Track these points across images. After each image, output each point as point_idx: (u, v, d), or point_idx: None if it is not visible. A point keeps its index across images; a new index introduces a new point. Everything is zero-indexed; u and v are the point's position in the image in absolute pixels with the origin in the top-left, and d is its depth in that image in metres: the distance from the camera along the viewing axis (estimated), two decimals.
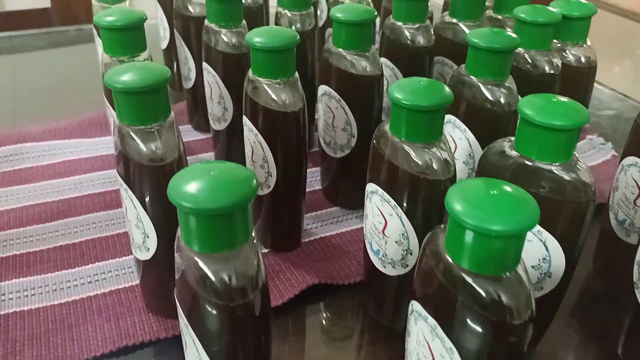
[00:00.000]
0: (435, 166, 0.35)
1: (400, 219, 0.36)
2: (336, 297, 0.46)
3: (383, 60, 0.55)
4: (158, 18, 0.71)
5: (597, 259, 0.49)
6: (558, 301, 0.38)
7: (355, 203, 0.54)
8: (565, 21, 0.49)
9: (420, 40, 0.53)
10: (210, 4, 0.51)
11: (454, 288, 0.26)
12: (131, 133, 0.35)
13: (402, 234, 0.37)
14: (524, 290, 0.25)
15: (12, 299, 0.43)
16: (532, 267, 0.35)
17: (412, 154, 0.35)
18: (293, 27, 0.56)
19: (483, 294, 0.25)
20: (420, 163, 0.35)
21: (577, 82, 0.51)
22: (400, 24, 0.53)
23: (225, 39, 0.52)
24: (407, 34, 0.53)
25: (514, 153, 0.35)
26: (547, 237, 0.34)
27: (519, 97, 0.44)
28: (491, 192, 0.25)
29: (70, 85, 0.80)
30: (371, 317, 0.44)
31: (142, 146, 0.35)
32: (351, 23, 0.46)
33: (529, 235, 0.34)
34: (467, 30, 0.54)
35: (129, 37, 0.44)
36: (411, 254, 0.37)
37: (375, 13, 0.47)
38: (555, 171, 0.33)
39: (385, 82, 0.54)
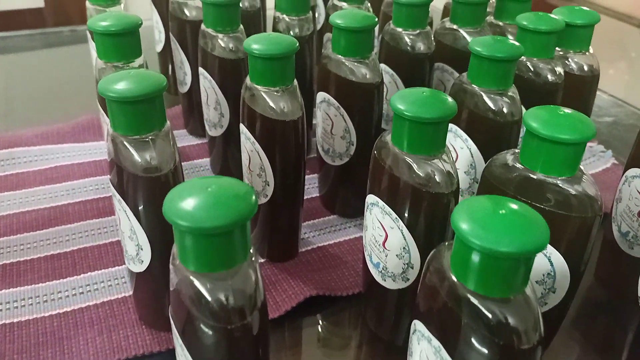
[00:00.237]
0: (437, 179, 0.34)
1: (402, 232, 0.35)
2: (334, 309, 0.45)
3: (382, 66, 0.54)
4: (153, 20, 0.70)
5: (599, 269, 0.48)
6: (562, 316, 0.37)
7: (354, 211, 0.53)
8: (568, 29, 0.48)
9: (421, 46, 0.52)
10: (207, 9, 0.50)
11: (459, 309, 0.25)
12: (125, 143, 0.34)
13: (403, 248, 0.36)
14: (532, 313, 0.25)
15: (1, 310, 0.42)
16: (536, 282, 0.35)
17: (414, 166, 0.34)
18: (291, 32, 0.55)
19: (490, 316, 0.24)
20: (422, 175, 0.34)
21: (580, 90, 0.50)
22: (400, 30, 0.52)
23: (222, 44, 0.50)
24: (407, 40, 0.52)
25: (518, 166, 0.34)
26: (551, 252, 0.33)
27: (522, 107, 0.43)
28: (499, 210, 0.24)
29: (64, 88, 0.79)
30: (370, 329, 0.43)
31: (136, 156, 0.34)
32: (351, 29, 0.45)
33: None
34: (467, 37, 0.53)
35: (123, 43, 0.43)
36: (412, 267, 0.36)
37: (376, 19, 0.46)
38: (560, 185, 0.32)
39: (384, 89, 0.53)
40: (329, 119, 0.49)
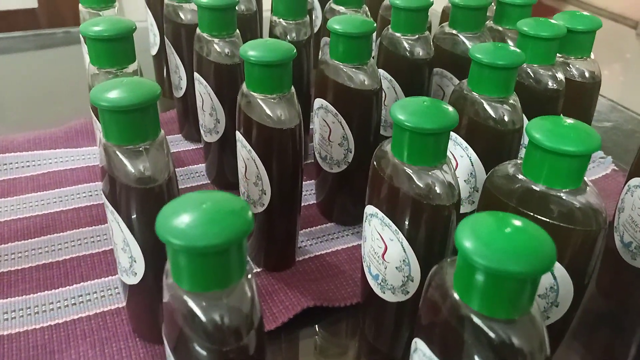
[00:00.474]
0: (438, 190, 0.33)
1: (402, 245, 0.35)
2: (331, 319, 0.44)
3: (380, 72, 0.53)
4: (148, 23, 0.69)
5: (600, 278, 0.47)
6: (564, 330, 0.36)
7: (352, 219, 0.53)
8: (570, 35, 0.47)
9: (420, 52, 0.52)
10: (202, 13, 0.49)
11: (462, 329, 0.24)
12: (118, 153, 0.33)
13: (403, 260, 0.35)
14: (537, 333, 0.24)
15: None
16: (539, 296, 0.34)
17: (415, 177, 0.33)
18: (288, 37, 0.54)
19: (494, 338, 0.23)
20: (422, 187, 0.33)
21: (581, 97, 0.50)
22: (399, 34, 0.52)
23: (218, 49, 0.50)
24: (406, 45, 0.52)
25: (521, 177, 0.33)
26: (555, 266, 0.33)
27: (523, 114, 0.42)
28: (504, 228, 0.23)
29: (57, 90, 0.78)
30: (368, 341, 0.42)
31: (129, 167, 0.33)
32: (349, 35, 0.44)
33: None
34: (467, 42, 0.53)
35: (117, 48, 0.42)
36: (412, 280, 0.35)
37: (375, 25, 0.45)
38: (564, 197, 0.32)
39: (383, 95, 0.52)
40: (327, 125, 0.48)
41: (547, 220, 0.32)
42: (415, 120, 0.32)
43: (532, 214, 0.32)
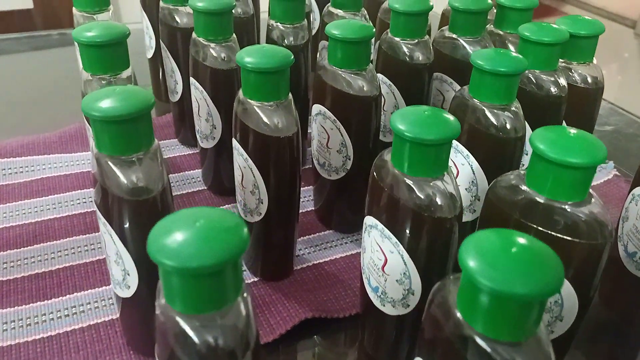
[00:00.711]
0: (440, 202, 0.32)
1: (402, 257, 0.34)
2: (330, 330, 0.43)
3: (379, 76, 0.52)
4: (143, 25, 0.68)
5: (603, 287, 0.47)
6: (568, 344, 0.35)
7: (351, 227, 0.52)
8: (572, 40, 0.46)
9: (419, 56, 0.51)
10: (198, 17, 0.48)
11: (465, 350, 0.23)
12: (110, 163, 0.32)
13: (404, 273, 0.34)
14: (544, 355, 0.23)
15: None
16: None
17: (415, 189, 0.32)
18: (285, 41, 0.54)
19: None
20: (423, 199, 0.32)
21: (584, 103, 0.49)
22: (398, 39, 0.51)
23: (214, 54, 0.49)
24: (405, 49, 0.51)
25: (524, 188, 0.32)
26: None
27: (525, 122, 0.42)
28: (510, 247, 0.23)
29: (52, 93, 0.77)
30: (367, 353, 0.41)
31: (122, 178, 0.32)
32: (348, 41, 0.43)
33: None
34: (467, 46, 0.52)
35: (110, 54, 0.41)
36: (413, 294, 0.34)
37: (374, 30, 0.44)
38: (569, 210, 0.31)
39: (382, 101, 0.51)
40: (325, 132, 0.47)
41: (551, 233, 0.31)
42: (416, 131, 0.31)
43: (535, 226, 0.31)
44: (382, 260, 0.35)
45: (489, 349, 0.23)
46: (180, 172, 0.60)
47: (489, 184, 0.41)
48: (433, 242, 0.33)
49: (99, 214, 0.34)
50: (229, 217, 0.24)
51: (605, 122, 0.74)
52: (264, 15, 0.69)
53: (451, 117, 0.32)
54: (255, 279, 0.46)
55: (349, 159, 0.47)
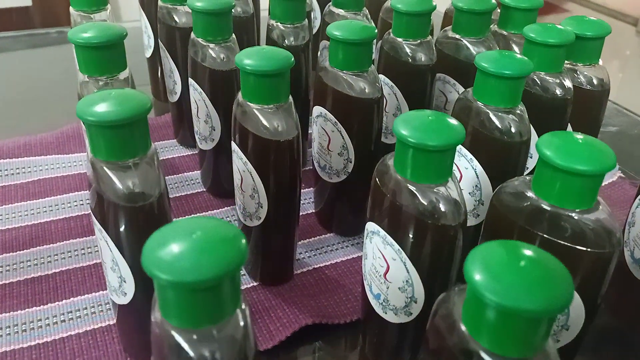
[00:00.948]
0: (443, 209, 0.32)
1: (405, 265, 0.33)
2: (331, 336, 0.42)
3: (381, 77, 0.51)
4: (142, 25, 0.67)
5: (608, 293, 0.46)
6: (573, 353, 0.35)
7: (352, 230, 0.51)
8: (578, 41, 0.46)
9: (422, 57, 0.50)
10: (197, 17, 0.47)
11: None
12: (105, 169, 0.31)
13: (406, 281, 0.33)
14: None
15: None
16: None
17: (419, 196, 0.32)
18: (286, 41, 0.53)
19: None
20: (427, 205, 0.32)
21: (590, 105, 0.48)
22: (400, 39, 0.50)
23: (213, 54, 0.48)
24: (408, 50, 0.50)
25: (530, 195, 0.31)
26: None
27: (530, 125, 0.41)
28: (517, 260, 0.22)
29: (49, 91, 0.76)
30: None
31: (118, 183, 0.32)
32: (349, 42, 0.42)
33: None
34: (471, 47, 0.51)
35: (107, 56, 0.40)
36: (416, 302, 0.34)
37: (376, 31, 0.43)
38: (576, 217, 0.30)
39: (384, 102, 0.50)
40: (326, 134, 0.46)
41: (558, 241, 0.30)
42: (420, 136, 0.30)
43: (541, 234, 0.30)
44: (384, 267, 0.34)
45: None
46: (179, 173, 0.59)
47: (493, 188, 0.41)
48: (436, 249, 0.32)
49: (94, 219, 0.33)
50: (227, 228, 0.23)
51: (609, 123, 0.73)
52: (264, 15, 0.69)
53: (455, 122, 0.32)
54: (255, 284, 0.46)
55: (350, 162, 0.46)
